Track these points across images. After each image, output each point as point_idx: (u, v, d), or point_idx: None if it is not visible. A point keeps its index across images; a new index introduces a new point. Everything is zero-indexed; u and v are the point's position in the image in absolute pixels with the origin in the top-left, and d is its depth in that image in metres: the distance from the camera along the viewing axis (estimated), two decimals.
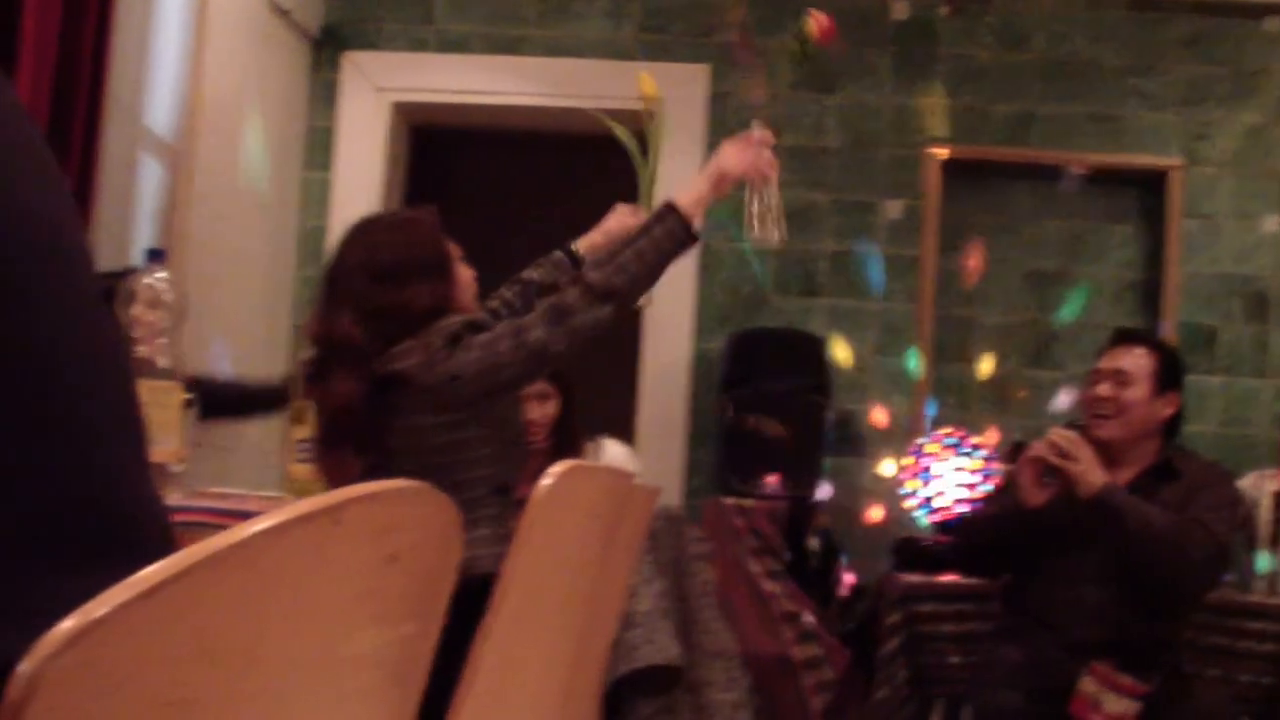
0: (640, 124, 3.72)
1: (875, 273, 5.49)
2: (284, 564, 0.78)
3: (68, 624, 0.63)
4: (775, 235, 3.31)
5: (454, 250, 3.08)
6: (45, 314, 1.00)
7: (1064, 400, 5.37)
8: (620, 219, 3.55)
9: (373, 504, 0.87)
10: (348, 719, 0.97)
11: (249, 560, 0.74)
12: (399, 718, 1.07)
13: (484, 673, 1.53)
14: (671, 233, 2.98)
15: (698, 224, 3.04)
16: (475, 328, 2.90)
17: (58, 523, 0.97)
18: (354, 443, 2.91)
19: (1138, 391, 3.87)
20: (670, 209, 3.01)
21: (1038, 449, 3.83)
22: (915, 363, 5.44)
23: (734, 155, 3.21)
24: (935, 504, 4.92)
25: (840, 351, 5.41)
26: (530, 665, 1.79)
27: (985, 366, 5.53)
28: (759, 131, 3.30)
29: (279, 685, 0.83)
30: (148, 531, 1.05)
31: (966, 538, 4.23)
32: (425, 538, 0.97)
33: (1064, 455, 3.74)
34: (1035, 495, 3.82)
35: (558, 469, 1.60)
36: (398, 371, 2.85)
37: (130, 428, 1.10)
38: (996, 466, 4.81)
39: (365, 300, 2.90)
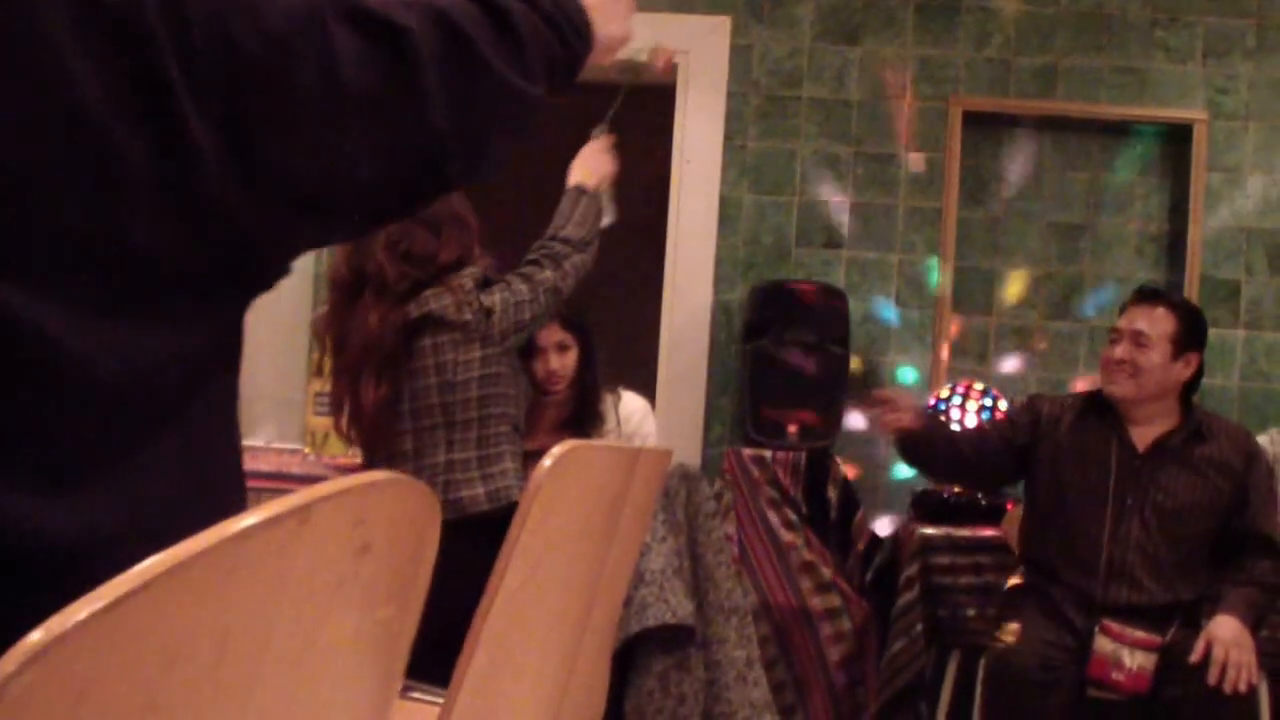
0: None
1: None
2: (250, 567, 0.78)
3: (32, 639, 0.64)
4: (615, 216, 3.77)
5: (468, 204, 3.41)
6: None
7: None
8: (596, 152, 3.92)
9: (341, 499, 0.87)
10: (327, 705, 0.98)
11: (214, 567, 0.74)
12: (381, 694, 1.08)
13: (485, 642, 1.54)
14: (593, 204, 3.53)
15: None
16: (488, 280, 3.24)
17: None
18: (378, 372, 3.07)
19: (1155, 355, 3.87)
20: (581, 189, 3.54)
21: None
22: (935, 315, 5.43)
23: (605, 160, 3.70)
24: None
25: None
26: (534, 635, 1.80)
27: (1006, 318, 5.52)
28: (605, 138, 3.77)
29: (251, 681, 0.83)
30: None
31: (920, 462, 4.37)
32: (398, 525, 0.97)
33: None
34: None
35: (558, 450, 1.59)
36: (431, 313, 3.12)
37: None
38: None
39: (400, 240, 3.10)
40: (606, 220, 3.72)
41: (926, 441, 4.10)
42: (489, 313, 3.14)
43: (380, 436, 3.18)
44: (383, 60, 1.19)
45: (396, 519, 0.98)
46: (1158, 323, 3.89)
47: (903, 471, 5.25)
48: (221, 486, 1.20)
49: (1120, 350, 3.90)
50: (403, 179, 1.28)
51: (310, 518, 0.83)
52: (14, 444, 1.00)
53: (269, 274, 1.23)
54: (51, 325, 0.99)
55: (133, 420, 1.07)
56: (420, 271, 3.15)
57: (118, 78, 1.02)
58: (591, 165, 3.66)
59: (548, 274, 3.27)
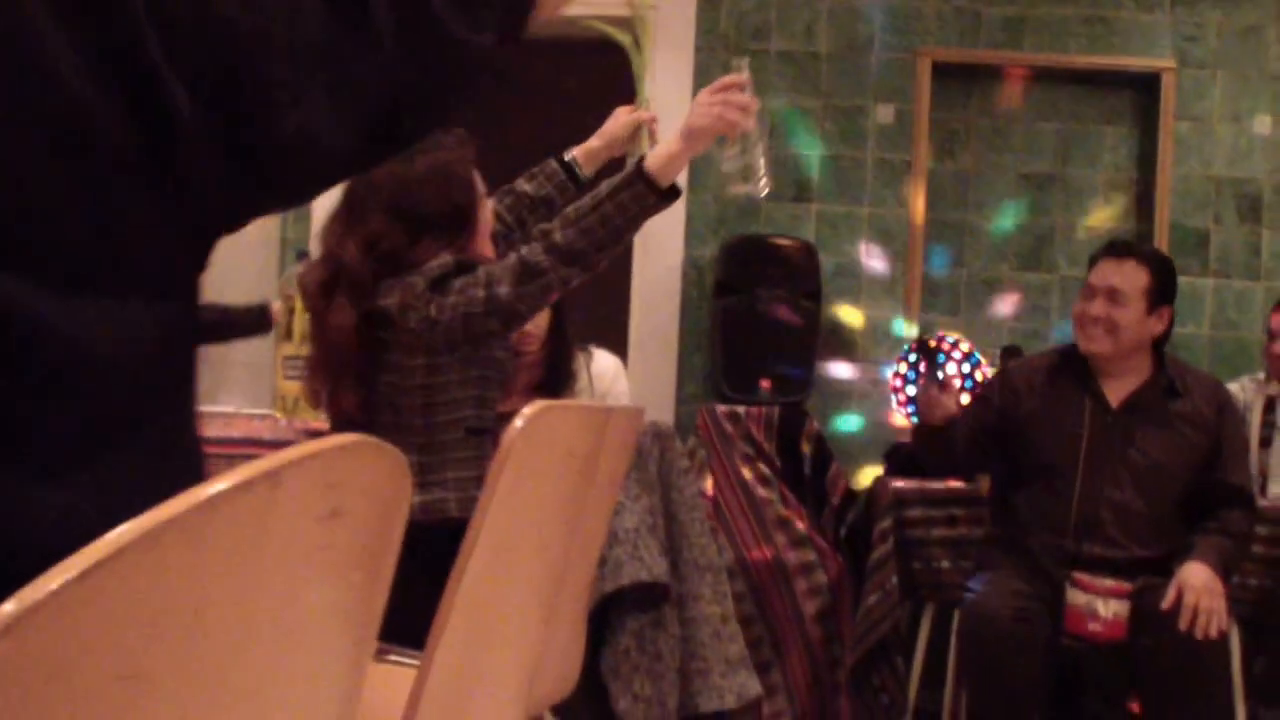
0: (628, 28, 3.69)
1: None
2: (224, 533, 0.78)
3: (6, 609, 0.64)
4: (757, 188, 3.04)
5: (480, 187, 3.09)
6: None
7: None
8: (618, 121, 3.51)
9: (312, 464, 0.87)
10: (302, 669, 0.98)
11: (186, 533, 0.74)
12: (355, 660, 1.08)
13: (461, 605, 1.55)
14: (640, 197, 2.85)
15: (676, 180, 2.91)
16: (462, 269, 2.90)
17: None
18: (352, 377, 2.94)
19: (1131, 311, 3.86)
20: (640, 173, 2.87)
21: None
22: (906, 267, 5.43)
23: (702, 108, 2.95)
24: (911, 428, 4.96)
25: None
26: (509, 596, 1.80)
27: (977, 270, 5.53)
28: (736, 75, 3.01)
29: (228, 646, 0.84)
30: None
31: (925, 459, 4.31)
32: (369, 490, 0.97)
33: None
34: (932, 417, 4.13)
35: (529, 411, 1.59)
36: (381, 309, 2.88)
37: None
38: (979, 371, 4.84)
39: (378, 237, 2.91)
40: (744, 189, 3.03)
41: (944, 439, 4.10)
42: (433, 324, 2.83)
43: (349, 428, 3.09)
44: (341, 12, 1.17)
45: (368, 483, 0.97)
46: (1131, 277, 3.88)
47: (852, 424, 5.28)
48: (189, 465, 1.18)
49: (1096, 308, 3.89)
50: (364, 134, 1.25)
51: (281, 483, 0.83)
52: (9, 431, 0.98)
53: (226, 233, 1.21)
54: (44, 308, 0.98)
55: (122, 404, 1.06)
56: (395, 269, 2.90)
57: (98, 51, 1.01)
58: (684, 125, 2.93)
59: (504, 291, 2.82)
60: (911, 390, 4.97)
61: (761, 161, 3.00)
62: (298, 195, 1.31)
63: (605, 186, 2.89)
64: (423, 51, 1.26)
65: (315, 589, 0.95)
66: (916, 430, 4.23)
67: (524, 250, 2.86)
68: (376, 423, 2.95)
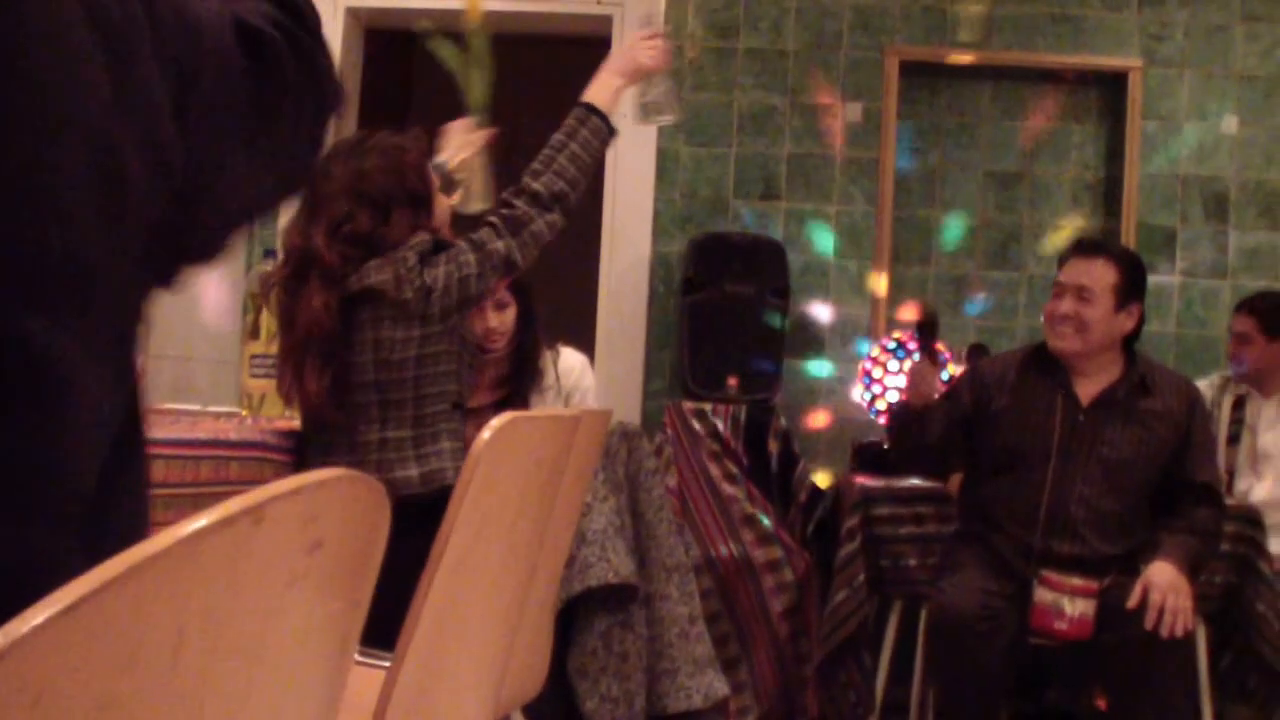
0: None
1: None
2: (205, 568, 0.79)
3: None
4: (676, 114, 3.67)
5: (434, 180, 3.22)
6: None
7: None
8: (461, 132, 3.75)
9: (294, 498, 0.87)
10: (280, 697, 0.98)
11: (169, 568, 0.74)
12: (333, 683, 1.09)
13: (429, 606, 1.55)
14: (598, 130, 3.26)
15: (614, 117, 3.34)
16: (440, 246, 3.05)
17: None
18: (321, 358, 2.97)
19: (1099, 309, 3.88)
20: (590, 109, 3.28)
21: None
22: (874, 265, 5.44)
23: (646, 49, 3.49)
24: (888, 406, 4.97)
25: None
26: (477, 597, 1.80)
27: (944, 268, 5.54)
28: (651, 28, 3.62)
29: (206, 676, 0.84)
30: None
31: (899, 440, 4.30)
32: (349, 522, 0.98)
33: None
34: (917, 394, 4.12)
35: (496, 423, 1.59)
36: (370, 287, 2.97)
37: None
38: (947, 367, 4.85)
39: (345, 222, 3.00)
40: (666, 119, 3.71)
41: (922, 422, 4.10)
42: (429, 292, 2.97)
43: (319, 414, 3.10)
44: (259, 70, 1.23)
45: (347, 515, 0.98)
46: (1100, 275, 3.89)
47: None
48: (142, 509, 1.17)
49: (1065, 306, 3.90)
50: (283, 186, 1.35)
51: (264, 517, 0.83)
52: (25, 478, 0.97)
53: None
54: (65, 357, 0.98)
55: (102, 454, 1.04)
56: (364, 252, 2.99)
57: (127, 94, 1.03)
58: (620, 64, 3.46)
59: (500, 245, 3.06)
60: (880, 374, 5.00)
61: (675, 92, 3.66)
62: (211, 252, 1.32)
63: (561, 134, 3.23)
64: (316, 102, 1.34)
65: (294, 618, 0.95)
66: (896, 411, 4.24)
67: (501, 210, 3.12)
68: (355, 404, 3.00)
